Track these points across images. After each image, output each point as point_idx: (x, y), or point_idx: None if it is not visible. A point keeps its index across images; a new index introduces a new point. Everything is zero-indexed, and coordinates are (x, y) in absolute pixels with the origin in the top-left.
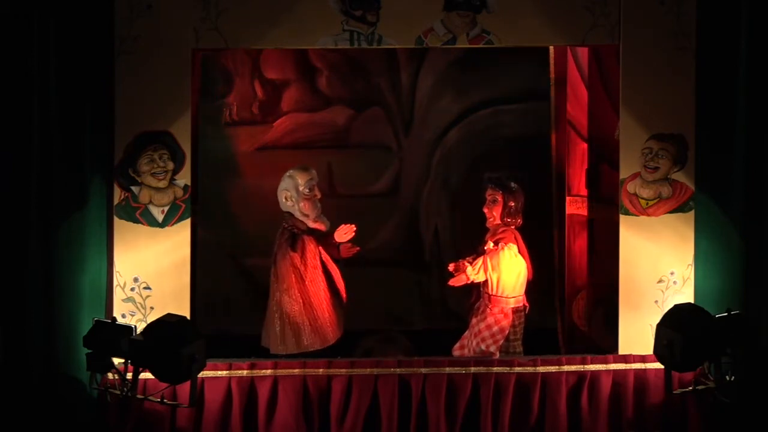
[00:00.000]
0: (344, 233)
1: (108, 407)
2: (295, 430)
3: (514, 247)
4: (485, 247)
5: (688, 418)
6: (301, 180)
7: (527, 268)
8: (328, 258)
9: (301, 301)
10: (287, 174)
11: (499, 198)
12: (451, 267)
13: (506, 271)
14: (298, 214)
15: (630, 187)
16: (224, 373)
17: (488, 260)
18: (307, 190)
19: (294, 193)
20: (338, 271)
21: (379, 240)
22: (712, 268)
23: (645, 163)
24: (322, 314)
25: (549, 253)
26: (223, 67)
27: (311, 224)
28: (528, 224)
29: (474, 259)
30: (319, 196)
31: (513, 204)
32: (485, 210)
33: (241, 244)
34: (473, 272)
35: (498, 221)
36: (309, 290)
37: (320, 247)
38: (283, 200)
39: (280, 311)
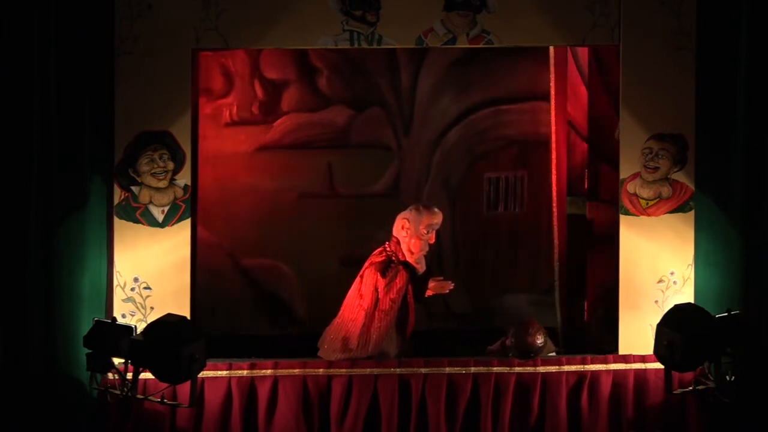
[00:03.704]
0: (440, 287)
1: (108, 407)
2: (295, 430)
3: None
4: None
5: (688, 418)
6: (426, 220)
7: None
8: (411, 297)
9: (362, 322)
10: (416, 206)
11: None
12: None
13: None
14: (404, 246)
15: (630, 187)
16: (224, 373)
17: None
18: (425, 232)
19: (413, 227)
20: (413, 311)
21: (379, 240)
22: (712, 268)
23: (645, 163)
24: (372, 341)
25: (549, 254)
26: (223, 67)
27: (411, 261)
28: (528, 224)
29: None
30: (432, 242)
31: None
32: None
33: (241, 244)
34: None
35: None
36: (375, 317)
37: (410, 286)
38: (399, 227)
39: (343, 320)
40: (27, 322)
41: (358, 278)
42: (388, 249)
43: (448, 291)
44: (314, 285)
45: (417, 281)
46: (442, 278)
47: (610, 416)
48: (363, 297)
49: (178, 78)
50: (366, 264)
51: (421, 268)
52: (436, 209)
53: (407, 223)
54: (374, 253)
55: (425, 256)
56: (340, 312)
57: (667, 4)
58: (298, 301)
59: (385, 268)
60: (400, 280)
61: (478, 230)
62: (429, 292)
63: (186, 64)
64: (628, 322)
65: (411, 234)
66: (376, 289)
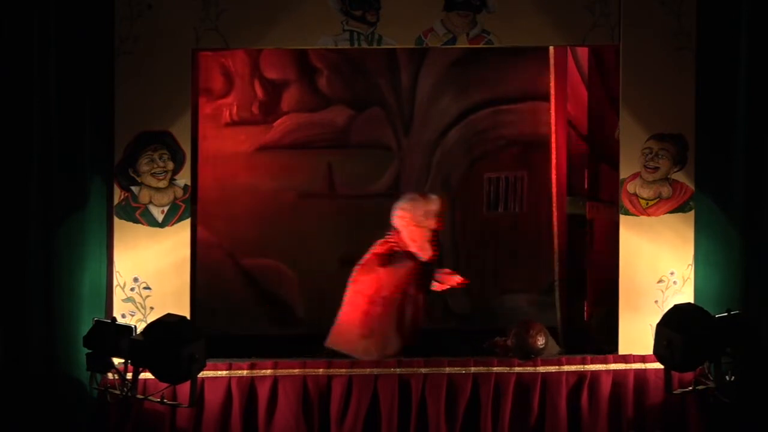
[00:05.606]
0: (450, 280)
1: (108, 407)
2: (295, 430)
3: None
4: None
5: (688, 418)
6: (422, 207)
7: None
8: (416, 288)
9: (367, 315)
10: (411, 195)
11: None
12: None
13: None
14: (405, 236)
15: (630, 187)
16: (224, 373)
17: None
18: (423, 219)
19: (410, 216)
20: (421, 304)
21: (378, 240)
22: (712, 268)
23: (645, 163)
24: (377, 334)
25: (549, 254)
26: (223, 67)
27: (413, 250)
28: (528, 224)
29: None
30: (435, 227)
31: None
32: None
33: (241, 244)
34: None
35: None
36: (378, 309)
37: (415, 276)
38: (398, 218)
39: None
40: (27, 322)
41: (358, 269)
42: (390, 240)
43: (458, 285)
44: (314, 285)
45: (423, 270)
46: (449, 271)
47: (610, 416)
48: (364, 289)
49: (178, 78)
50: (367, 255)
51: (425, 255)
52: (433, 196)
53: (404, 212)
54: (376, 243)
55: (433, 244)
56: (343, 308)
57: (667, 4)
58: (298, 301)
59: (388, 257)
60: (402, 268)
61: (478, 230)
62: (439, 287)
63: (186, 64)
64: (628, 322)
65: (410, 222)
66: (378, 280)
